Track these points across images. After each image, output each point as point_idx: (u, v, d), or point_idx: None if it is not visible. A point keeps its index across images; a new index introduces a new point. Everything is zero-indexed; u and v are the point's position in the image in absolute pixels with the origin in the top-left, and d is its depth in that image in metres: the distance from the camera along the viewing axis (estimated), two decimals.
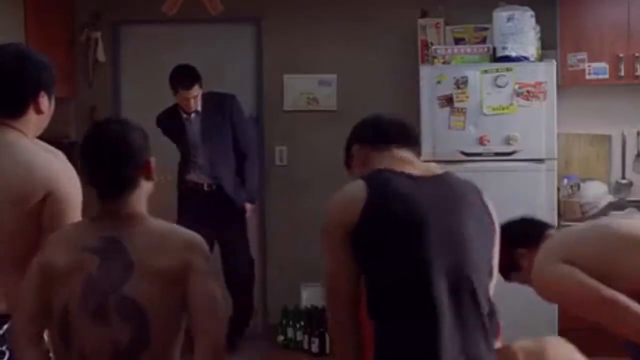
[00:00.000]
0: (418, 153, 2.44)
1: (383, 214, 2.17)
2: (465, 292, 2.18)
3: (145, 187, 2.15)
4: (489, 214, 2.33)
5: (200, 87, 5.11)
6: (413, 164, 2.37)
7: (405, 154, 2.38)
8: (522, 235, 3.00)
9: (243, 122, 5.34)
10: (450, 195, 2.29)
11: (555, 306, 4.35)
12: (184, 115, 5.19)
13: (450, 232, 2.20)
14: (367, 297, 2.23)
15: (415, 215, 2.17)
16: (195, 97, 5.10)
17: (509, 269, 2.97)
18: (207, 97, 5.18)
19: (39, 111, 2.39)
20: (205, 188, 5.23)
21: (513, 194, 4.83)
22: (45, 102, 2.40)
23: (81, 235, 2.11)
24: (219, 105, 5.21)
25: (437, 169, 2.41)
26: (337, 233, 2.20)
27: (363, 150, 2.41)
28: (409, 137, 2.42)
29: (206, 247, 2.17)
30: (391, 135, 2.40)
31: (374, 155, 2.38)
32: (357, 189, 2.22)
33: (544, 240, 2.91)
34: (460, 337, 2.15)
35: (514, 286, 2.86)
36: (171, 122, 5.22)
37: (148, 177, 2.14)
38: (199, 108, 5.17)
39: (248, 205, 5.31)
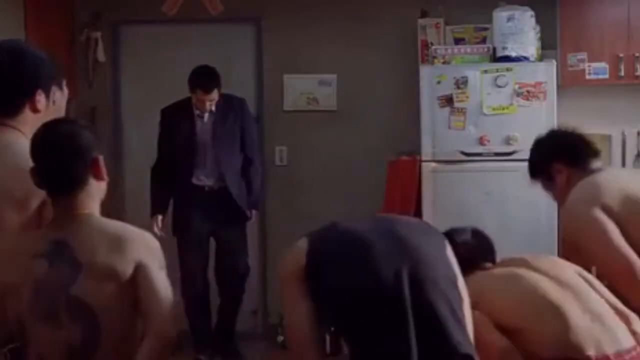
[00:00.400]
0: None
1: (327, 247, 2.29)
2: (428, 289, 2.21)
3: (96, 187, 2.15)
4: (437, 232, 2.43)
5: (219, 91, 5.03)
6: None
7: None
8: (566, 150, 2.88)
9: (252, 126, 5.31)
10: (389, 218, 2.53)
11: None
12: (197, 112, 5.09)
13: (398, 243, 2.27)
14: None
15: (360, 238, 2.28)
16: (212, 101, 5.04)
17: (541, 176, 2.90)
18: (220, 98, 5.08)
19: (35, 110, 2.32)
20: (206, 189, 5.13)
21: (513, 194, 4.83)
22: (42, 101, 2.34)
23: (32, 242, 2.12)
24: (230, 106, 5.14)
25: None
26: (291, 281, 2.28)
27: None
28: None
29: (157, 244, 2.16)
30: None
31: None
32: (299, 242, 2.33)
33: (587, 171, 2.80)
34: (431, 335, 2.18)
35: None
36: (181, 117, 5.11)
37: (97, 176, 2.14)
38: (213, 108, 5.09)
39: (253, 212, 5.27)
